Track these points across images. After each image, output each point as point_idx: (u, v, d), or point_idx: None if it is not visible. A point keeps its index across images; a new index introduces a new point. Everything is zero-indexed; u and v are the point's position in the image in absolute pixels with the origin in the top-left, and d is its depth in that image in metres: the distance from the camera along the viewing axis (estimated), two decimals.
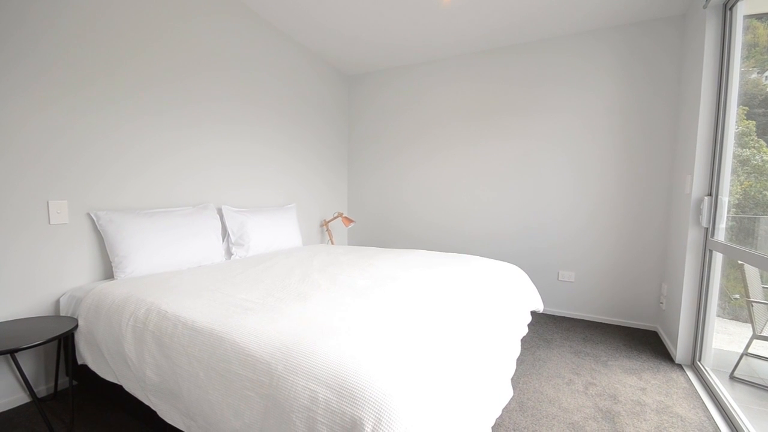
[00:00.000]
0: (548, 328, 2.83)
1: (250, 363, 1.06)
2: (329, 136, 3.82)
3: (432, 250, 3.56)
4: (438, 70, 3.58)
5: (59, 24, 1.73)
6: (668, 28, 2.68)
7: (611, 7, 2.61)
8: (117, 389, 1.51)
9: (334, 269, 2.03)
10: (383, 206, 3.99)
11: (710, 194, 2.09)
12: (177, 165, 2.29)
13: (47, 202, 1.72)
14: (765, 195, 2.04)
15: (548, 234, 3.17)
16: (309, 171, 3.54)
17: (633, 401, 1.82)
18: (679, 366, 2.22)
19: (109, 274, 1.95)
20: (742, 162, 2.07)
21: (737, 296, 2.32)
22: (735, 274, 2.24)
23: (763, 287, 2.04)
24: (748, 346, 2.05)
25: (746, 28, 1.98)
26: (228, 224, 2.52)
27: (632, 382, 2.01)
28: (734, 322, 2.42)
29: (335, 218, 3.71)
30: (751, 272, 2.03)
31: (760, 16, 2.00)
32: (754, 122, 2.07)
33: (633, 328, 2.86)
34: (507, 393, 1.41)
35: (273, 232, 2.75)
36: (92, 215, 1.87)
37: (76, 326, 1.59)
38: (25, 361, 1.69)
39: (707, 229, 2.11)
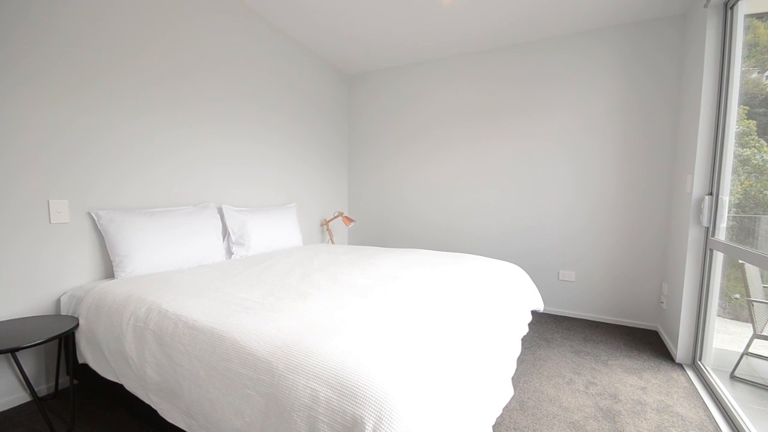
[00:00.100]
0: (548, 328, 2.83)
1: (250, 362, 1.07)
2: (329, 136, 3.82)
3: (432, 249, 3.57)
4: (438, 69, 3.58)
5: (60, 23, 1.73)
6: (669, 28, 2.68)
7: (611, 7, 2.60)
8: (118, 388, 1.51)
9: (335, 268, 2.03)
10: (383, 206, 3.99)
11: (711, 193, 2.09)
12: (177, 164, 2.29)
13: (48, 202, 1.72)
14: (765, 195, 2.04)
15: (548, 233, 3.17)
16: (309, 170, 3.54)
17: (633, 400, 1.82)
18: (680, 365, 2.22)
19: (109, 273, 1.95)
20: (742, 162, 2.07)
21: (737, 296, 2.32)
22: (735, 274, 2.24)
23: (764, 286, 2.04)
24: (748, 345, 2.05)
25: (746, 28, 1.98)
26: (228, 223, 2.52)
27: (633, 381, 2.01)
28: (734, 321, 2.42)
29: (335, 218, 3.71)
30: (752, 271, 2.03)
31: (760, 16, 2.00)
32: (754, 122, 2.07)
33: (633, 327, 2.86)
34: (508, 392, 1.41)
35: (273, 232, 2.75)
36: (93, 214, 1.87)
37: (77, 325, 1.59)
38: (26, 360, 1.69)
39: (708, 228, 2.11)
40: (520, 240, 3.30)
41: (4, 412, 1.63)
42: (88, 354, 1.61)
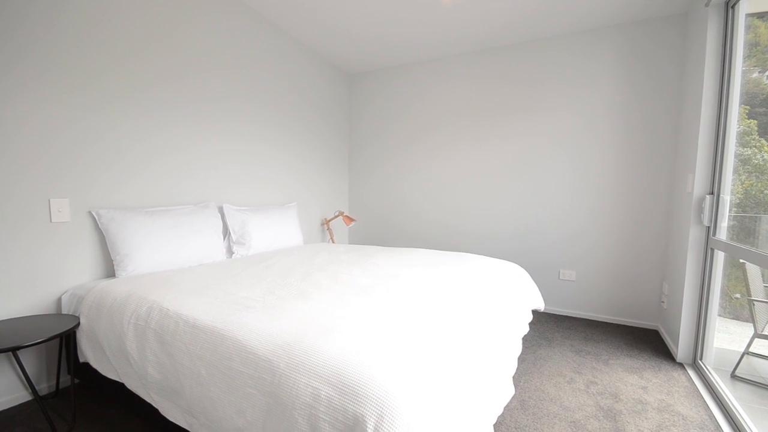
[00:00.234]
0: (549, 327, 2.83)
1: (252, 360, 1.07)
2: (330, 135, 3.82)
3: (433, 248, 3.56)
4: (438, 69, 3.58)
5: (61, 23, 1.73)
6: (669, 27, 2.68)
7: (612, 6, 2.60)
8: (119, 387, 1.52)
9: (336, 267, 2.03)
10: (384, 205, 3.99)
11: (712, 193, 2.09)
12: (178, 163, 2.29)
13: (49, 201, 1.72)
14: (766, 194, 2.04)
15: (549, 233, 3.17)
16: (310, 169, 3.54)
17: (634, 400, 1.82)
18: (681, 365, 2.22)
19: (110, 272, 1.95)
20: (743, 161, 2.07)
21: (738, 295, 2.31)
22: (736, 274, 2.24)
23: (765, 286, 2.04)
24: (749, 344, 2.04)
25: (747, 27, 1.97)
26: (229, 223, 2.52)
27: (633, 380, 2.01)
28: (735, 321, 2.42)
29: (336, 217, 3.71)
30: (753, 271, 2.03)
31: (761, 15, 2.00)
32: (755, 121, 2.07)
33: (634, 327, 2.86)
34: (509, 391, 1.41)
35: (274, 231, 2.76)
36: (94, 213, 1.87)
37: (78, 324, 1.59)
38: (27, 359, 1.69)
39: (709, 227, 2.11)
40: (520, 239, 3.29)
41: (5, 410, 1.63)
42: (89, 353, 1.61)
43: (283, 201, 3.20)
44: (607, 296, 2.99)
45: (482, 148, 3.41)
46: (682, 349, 2.24)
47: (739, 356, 2.09)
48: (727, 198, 2.01)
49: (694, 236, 2.18)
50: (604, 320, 3.00)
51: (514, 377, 1.95)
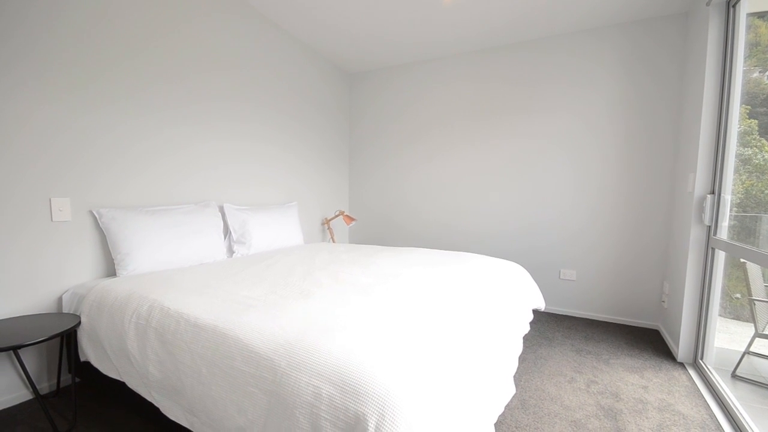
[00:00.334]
0: (550, 327, 2.83)
1: (253, 359, 1.07)
2: (330, 134, 3.82)
3: (433, 248, 3.57)
4: (439, 68, 3.57)
5: (61, 22, 1.73)
6: (670, 26, 2.67)
7: (613, 5, 2.60)
8: (120, 386, 1.52)
9: (336, 267, 2.03)
10: (385, 204, 3.99)
11: (713, 192, 2.09)
12: (179, 163, 2.30)
13: (50, 200, 1.72)
14: (766, 194, 2.04)
15: (549, 232, 3.17)
16: (310, 169, 3.54)
17: (635, 399, 1.82)
18: (681, 364, 2.22)
19: (111, 271, 1.95)
20: (743, 161, 2.07)
21: (738, 295, 2.31)
22: (736, 274, 2.24)
23: (765, 285, 2.04)
24: (750, 344, 2.04)
25: (748, 27, 1.97)
26: (230, 222, 2.52)
27: (634, 380, 2.01)
28: (735, 321, 2.42)
29: (336, 216, 3.71)
30: (754, 270, 2.03)
31: (761, 15, 2.00)
32: (756, 121, 2.07)
33: (634, 326, 2.86)
34: (509, 390, 1.41)
35: (274, 230, 2.76)
36: (94, 213, 1.87)
37: (79, 323, 1.59)
38: (28, 358, 1.69)
39: (709, 227, 2.11)
40: (521, 239, 3.29)
41: (6, 409, 1.63)
42: (90, 352, 1.61)
43: (284, 200, 3.20)
44: (607, 296, 2.99)
45: (483, 147, 3.41)
46: (682, 349, 2.24)
47: (740, 356, 2.09)
48: (728, 197, 2.01)
49: (694, 236, 2.17)
50: (604, 320, 3.00)
51: (514, 376, 1.95)
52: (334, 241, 3.72)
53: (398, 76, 3.80)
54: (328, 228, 3.69)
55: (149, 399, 1.38)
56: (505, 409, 1.70)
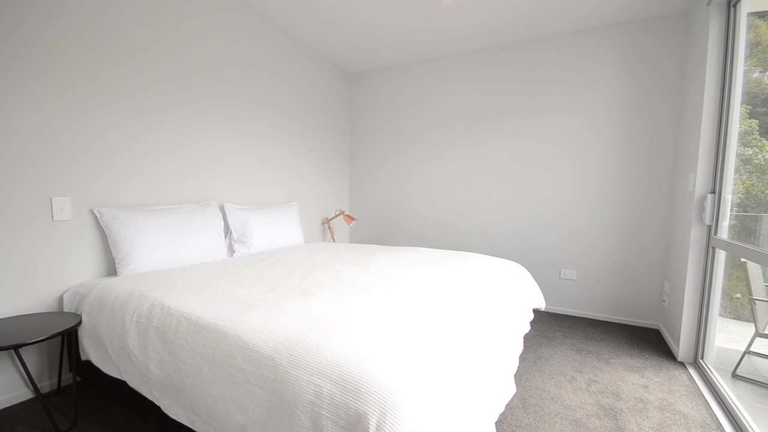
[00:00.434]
0: (550, 326, 2.83)
1: (254, 358, 1.07)
2: (331, 134, 3.82)
3: (434, 247, 3.56)
4: (439, 68, 3.57)
5: (61, 22, 1.73)
6: (671, 26, 2.67)
7: (613, 5, 2.60)
8: (121, 385, 1.52)
9: (337, 266, 2.03)
10: (385, 204, 3.99)
11: (713, 192, 2.09)
12: (179, 162, 2.30)
13: (50, 199, 1.73)
14: (767, 194, 2.04)
15: (550, 232, 3.17)
16: (311, 168, 3.54)
17: (635, 398, 1.82)
18: (682, 364, 2.22)
19: (112, 270, 1.95)
20: (744, 161, 2.07)
21: (738, 295, 2.31)
22: (737, 274, 2.24)
23: (766, 285, 2.04)
24: (750, 343, 2.04)
25: (748, 27, 1.97)
26: (230, 221, 2.52)
27: (634, 379, 2.02)
28: (736, 321, 2.42)
29: (337, 216, 3.71)
30: (754, 270, 2.03)
31: (762, 14, 2.00)
32: (756, 121, 2.06)
33: (635, 326, 2.86)
34: (510, 389, 1.42)
35: (275, 230, 2.76)
36: (95, 212, 1.88)
37: (80, 322, 1.60)
38: (29, 356, 1.69)
39: (710, 226, 2.11)
40: (521, 238, 3.29)
41: (7, 408, 1.63)
42: (91, 351, 1.62)
43: (284, 200, 3.20)
44: (608, 295, 2.99)
45: (483, 147, 3.41)
46: (683, 348, 2.24)
47: (740, 355, 2.09)
48: (728, 197, 2.01)
49: (695, 235, 2.18)
50: (605, 319, 3.00)
51: (515, 375, 1.95)
52: (334, 241, 3.73)
53: (398, 75, 3.80)
54: (329, 227, 3.69)
55: (150, 398, 1.38)
56: (506, 408, 1.70)
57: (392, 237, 3.97)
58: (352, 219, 3.71)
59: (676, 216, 2.58)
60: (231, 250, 2.50)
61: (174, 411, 1.29)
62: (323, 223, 3.78)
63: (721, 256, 2.08)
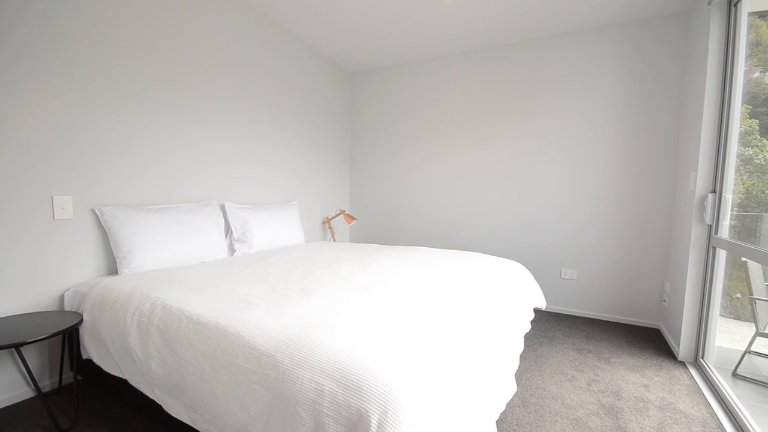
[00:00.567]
0: (550, 326, 2.83)
1: (255, 356, 1.07)
2: (331, 134, 3.83)
3: (434, 247, 3.56)
4: (440, 68, 3.58)
5: (61, 21, 1.73)
6: (671, 26, 2.67)
7: (614, 4, 2.60)
8: (122, 384, 1.52)
9: (337, 265, 2.03)
10: (385, 203, 3.99)
11: (714, 191, 2.09)
12: (180, 161, 2.30)
13: (51, 198, 1.73)
14: (767, 194, 2.04)
15: (550, 232, 3.17)
16: (311, 168, 3.54)
17: (636, 398, 1.82)
18: (682, 363, 2.22)
19: (113, 269, 1.95)
20: (744, 161, 2.07)
21: (739, 295, 2.31)
22: (737, 274, 2.24)
23: (766, 285, 2.04)
24: (751, 343, 2.05)
25: (749, 27, 1.97)
26: (231, 221, 2.53)
27: (635, 379, 2.02)
28: (736, 321, 2.42)
29: (337, 215, 3.72)
30: (755, 270, 2.03)
31: (763, 14, 2.00)
32: (756, 121, 2.06)
33: (635, 325, 2.86)
34: (511, 388, 1.42)
35: (275, 229, 2.76)
36: (96, 211, 1.88)
37: (81, 321, 1.60)
38: (30, 355, 1.70)
39: (711, 226, 2.11)
40: (521, 238, 3.30)
41: (8, 407, 1.63)
42: (92, 349, 1.62)
43: (285, 199, 3.20)
44: (608, 295, 2.99)
45: (484, 146, 3.41)
46: (683, 348, 2.24)
47: (741, 355, 2.09)
48: (729, 197, 2.01)
49: (695, 235, 2.18)
50: (605, 319, 3.00)
51: (516, 374, 1.95)
52: (334, 240, 3.73)
53: (399, 75, 3.80)
54: (329, 227, 3.69)
55: (151, 396, 1.38)
56: (507, 407, 1.70)
57: (392, 236, 3.97)
58: (353, 218, 3.71)
59: (677, 215, 2.58)
60: (232, 250, 2.51)
61: (175, 409, 1.29)
62: (324, 223, 3.78)
63: (721, 255, 2.08)
